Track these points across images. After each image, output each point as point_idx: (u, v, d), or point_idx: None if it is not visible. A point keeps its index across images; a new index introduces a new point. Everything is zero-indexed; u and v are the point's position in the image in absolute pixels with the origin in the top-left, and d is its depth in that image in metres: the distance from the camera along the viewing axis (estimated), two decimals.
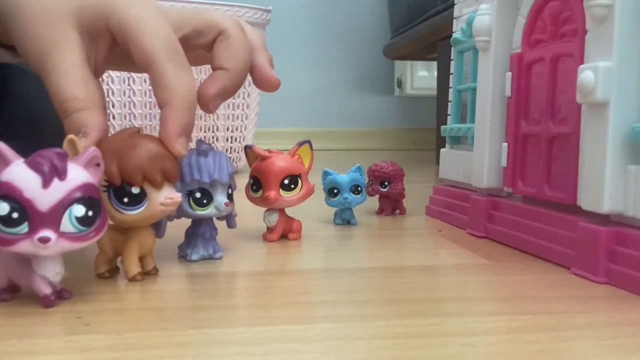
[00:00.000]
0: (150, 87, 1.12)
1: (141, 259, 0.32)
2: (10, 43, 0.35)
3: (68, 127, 0.31)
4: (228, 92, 0.35)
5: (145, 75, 1.03)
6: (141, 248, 0.32)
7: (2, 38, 0.36)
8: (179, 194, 0.31)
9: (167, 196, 0.31)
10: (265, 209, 0.43)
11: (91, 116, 0.31)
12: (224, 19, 0.36)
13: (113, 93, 1.00)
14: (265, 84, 0.38)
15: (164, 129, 0.31)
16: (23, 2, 0.32)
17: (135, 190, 0.30)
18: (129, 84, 1.00)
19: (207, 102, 0.34)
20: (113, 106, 1.00)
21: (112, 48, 0.34)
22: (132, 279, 0.32)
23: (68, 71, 0.31)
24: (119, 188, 0.30)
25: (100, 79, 1.17)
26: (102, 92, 0.32)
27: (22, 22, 0.32)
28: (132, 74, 1.00)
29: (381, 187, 0.54)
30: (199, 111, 1.06)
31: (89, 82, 0.32)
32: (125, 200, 0.30)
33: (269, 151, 0.42)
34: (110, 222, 0.30)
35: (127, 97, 1.00)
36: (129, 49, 0.32)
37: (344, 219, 0.51)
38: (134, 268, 0.32)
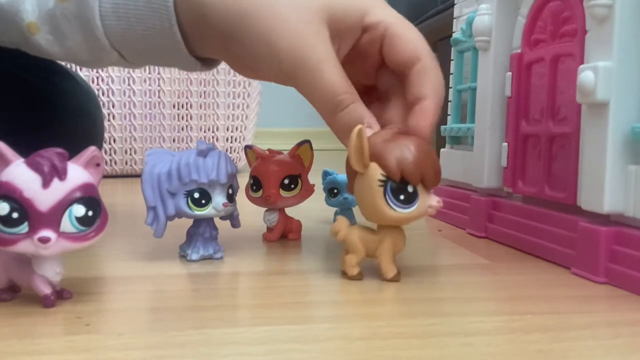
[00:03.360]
0: (150, 88, 1.11)
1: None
2: (212, 56, 0.37)
3: (345, 120, 0.32)
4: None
5: (146, 76, 1.04)
6: (395, 248, 0.32)
7: (206, 52, 0.37)
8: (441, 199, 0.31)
9: (438, 200, 0.31)
10: (265, 209, 0.43)
11: (364, 109, 0.32)
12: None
13: (113, 93, 1.00)
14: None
15: (425, 118, 0.32)
16: (270, 1, 0.32)
17: (410, 188, 0.30)
18: (129, 84, 1.00)
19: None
20: (113, 106, 1.00)
21: (353, 47, 0.34)
22: (392, 279, 0.32)
23: (334, 64, 0.31)
24: (397, 185, 0.30)
25: (101, 80, 1.17)
26: None
27: (273, 20, 0.31)
28: (131, 73, 1.00)
29: None
30: (199, 111, 1.06)
31: (346, 76, 0.32)
32: (402, 197, 0.30)
33: (269, 151, 0.42)
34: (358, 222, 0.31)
35: (127, 97, 1.00)
36: (388, 46, 0.33)
37: None
38: (393, 268, 0.32)
